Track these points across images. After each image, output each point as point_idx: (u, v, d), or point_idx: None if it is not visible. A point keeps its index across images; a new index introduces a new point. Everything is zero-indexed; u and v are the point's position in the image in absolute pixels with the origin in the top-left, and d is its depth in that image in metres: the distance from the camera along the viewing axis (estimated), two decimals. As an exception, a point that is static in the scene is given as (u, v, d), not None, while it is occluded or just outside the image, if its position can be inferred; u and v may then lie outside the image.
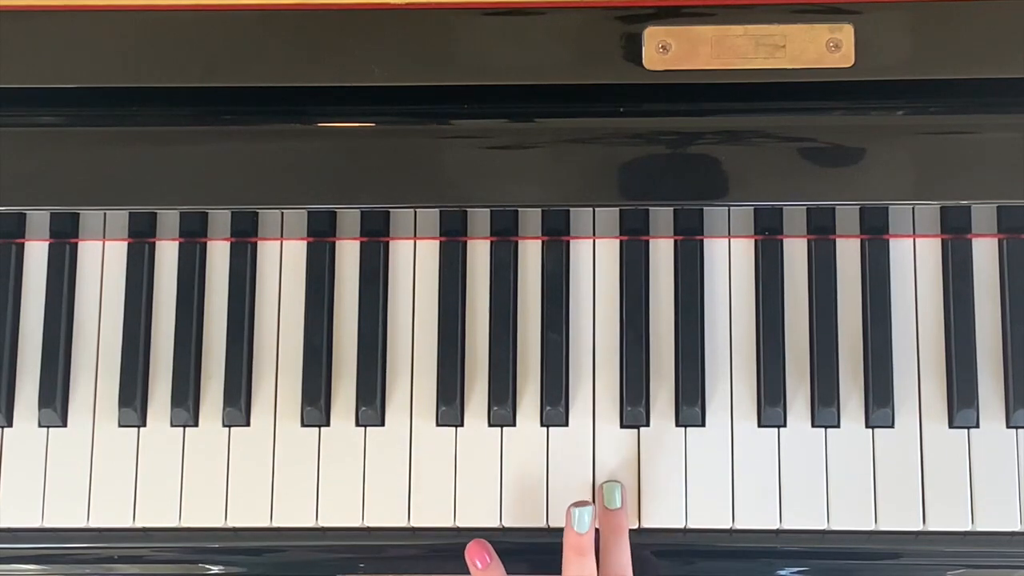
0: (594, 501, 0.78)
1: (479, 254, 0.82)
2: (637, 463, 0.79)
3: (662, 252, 0.81)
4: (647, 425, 0.79)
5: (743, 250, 0.81)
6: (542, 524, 0.78)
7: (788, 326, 0.80)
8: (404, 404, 0.80)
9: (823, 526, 0.78)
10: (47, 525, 0.80)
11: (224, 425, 0.81)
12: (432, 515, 0.79)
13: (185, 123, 0.77)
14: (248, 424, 0.81)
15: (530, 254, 0.82)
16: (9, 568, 0.81)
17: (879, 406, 0.78)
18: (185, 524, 0.80)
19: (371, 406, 0.80)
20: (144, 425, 0.81)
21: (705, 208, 0.80)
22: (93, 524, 0.80)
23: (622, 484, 0.77)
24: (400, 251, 0.82)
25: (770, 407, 0.78)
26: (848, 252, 0.81)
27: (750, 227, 0.81)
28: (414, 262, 0.82)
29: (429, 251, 0.82)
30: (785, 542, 0.78)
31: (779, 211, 0.80)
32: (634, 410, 0.79)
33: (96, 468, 0.80)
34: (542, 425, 0.80)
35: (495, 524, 0.78)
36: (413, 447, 0.80)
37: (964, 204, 0.78)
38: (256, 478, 0.80)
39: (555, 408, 0.79)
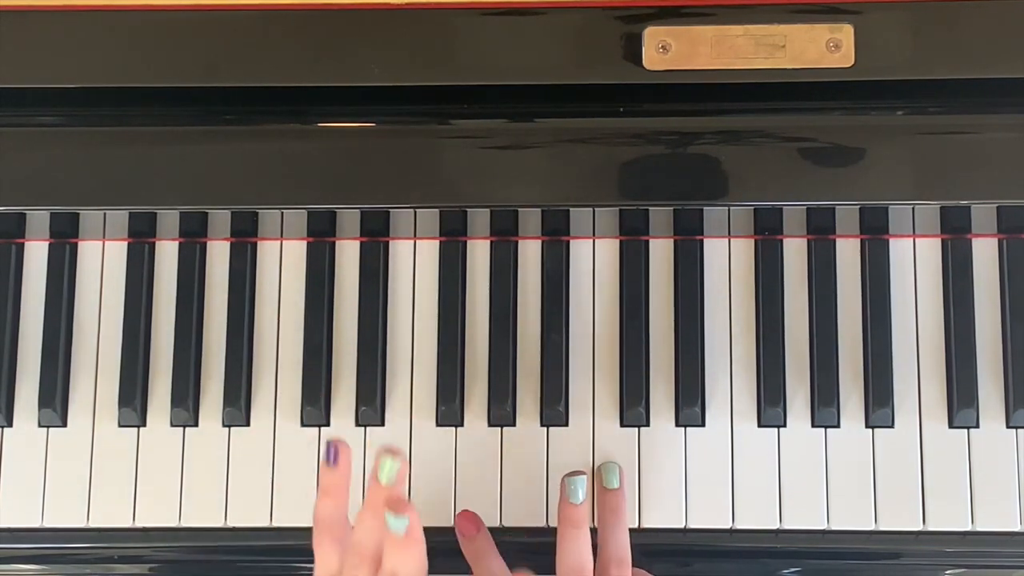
0: (593, 490, 0.78)
1: (479, 254, 0.82)
2: (637, 463, 0.79)
3: (662, 252, 0.81)
4: (647, 425, 0.79)
5: (743, 250, 0.81)
6: (542, 524, 0.78)
7: (788, 326, 0.80)
8: (404, 404, 0.80)
9: (823, 526, 0.78)
10: (47, 525, 0.80)
11: (224, 425, 0.80)
12: (432, 515, 0.78)
13: (185, 123, 0.77)
14: (248, 424, 0.81)
15: (530, 254, 0.82)
16: (9, 568, 0.81)
17: (879, 406, 0.78)
18: (185, 524, 0.80)
19: (371, 406, 0.80)
20: (144, 425, 0.81)
21: (705, 208, 0.80)
22: (93, 524, 0.80)
23: (620, 465, 0.77)
24: (400, 251, 0.82)
25: (770, 407, 0.78)
26: (848, 252, 0.81)
27: (750, 227, 0.81)
28: (414, 262, 0.82)
29: (429, 251, 0.82)
30: (785, 542, 0.78)
31: (779, 211, 0.80)
32: (634, 410, 0.79)
33: (96, 468, 0.80)
34: (542, 425, 0.80)
35: (495, 524, 0.78)
36: (413, 447, 0.80)
37: (964, 204, 0.78)
38: (256, 478, 0.80)
39: (555, 408, 0.79)
